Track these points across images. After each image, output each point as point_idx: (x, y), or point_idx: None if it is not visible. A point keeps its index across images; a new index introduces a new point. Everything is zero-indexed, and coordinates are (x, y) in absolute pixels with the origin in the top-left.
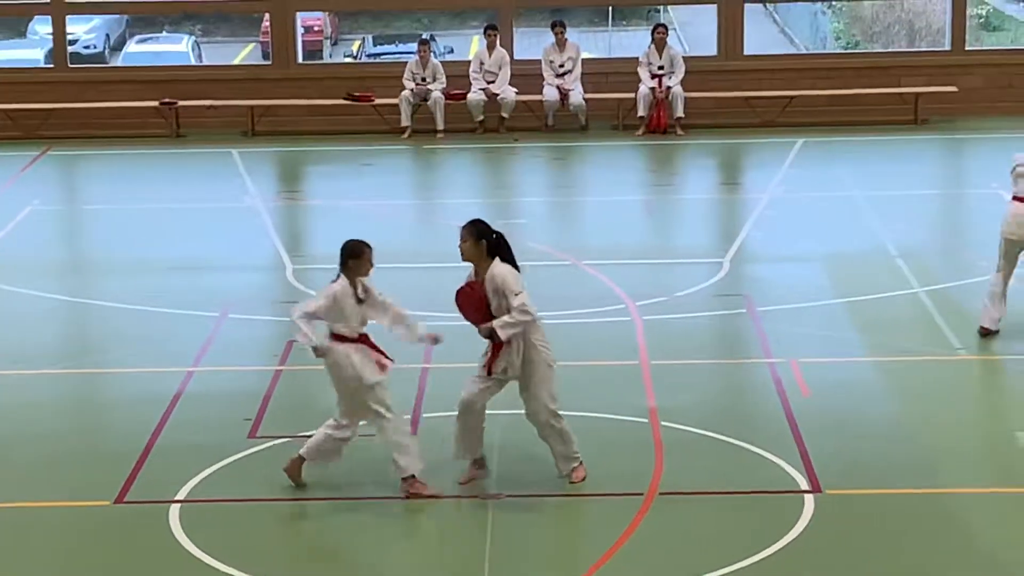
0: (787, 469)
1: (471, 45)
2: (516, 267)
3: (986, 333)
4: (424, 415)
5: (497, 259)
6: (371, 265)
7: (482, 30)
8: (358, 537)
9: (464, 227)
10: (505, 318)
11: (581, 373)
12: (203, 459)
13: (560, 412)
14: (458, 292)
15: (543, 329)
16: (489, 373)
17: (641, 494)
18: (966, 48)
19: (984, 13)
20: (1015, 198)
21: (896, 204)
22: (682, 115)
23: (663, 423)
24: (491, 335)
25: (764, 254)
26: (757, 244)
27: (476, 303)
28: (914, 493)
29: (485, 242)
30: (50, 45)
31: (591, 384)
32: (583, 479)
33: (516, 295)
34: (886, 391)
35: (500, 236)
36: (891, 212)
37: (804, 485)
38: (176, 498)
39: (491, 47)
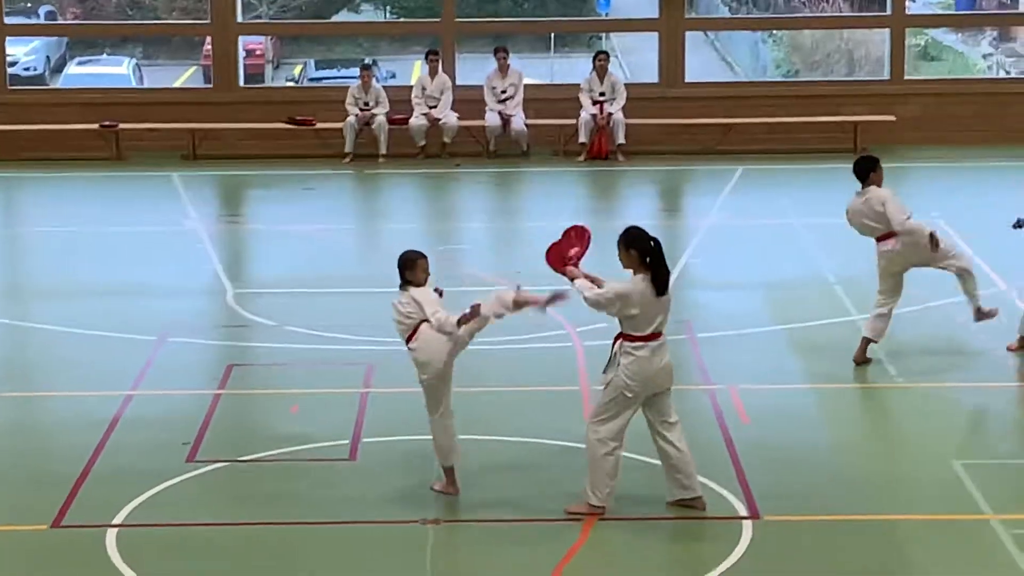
0: (725, 495)
1: (413, 70)
2: (665, 281)
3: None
4: (364, 440)
5: (645, 275)
6: (426, 274)
7: (424, 55)
8: (293, 562)
9: (620, 235)
10: (593, 290)
11: (521, 398)
12: (141, 483)
13: (604, 439)
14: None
15: (641, 362)
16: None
17: (580, 519)
18: (905, 77)
19: (922, 43)
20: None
21: (835, 232)
22: (623, 142)
23: None
24: (571, 280)
25: (704, 281)
26: (697, 271)
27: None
28: (852, 519)
29: (635, 251)
30: None
31: (531, 409)
32: (576, 514)
33: (607, 297)
34: (824, 418)
35: (656, 245)
36: (830, 240)
37: (742, 511)
38: (113, 522)
39: (433, 72)
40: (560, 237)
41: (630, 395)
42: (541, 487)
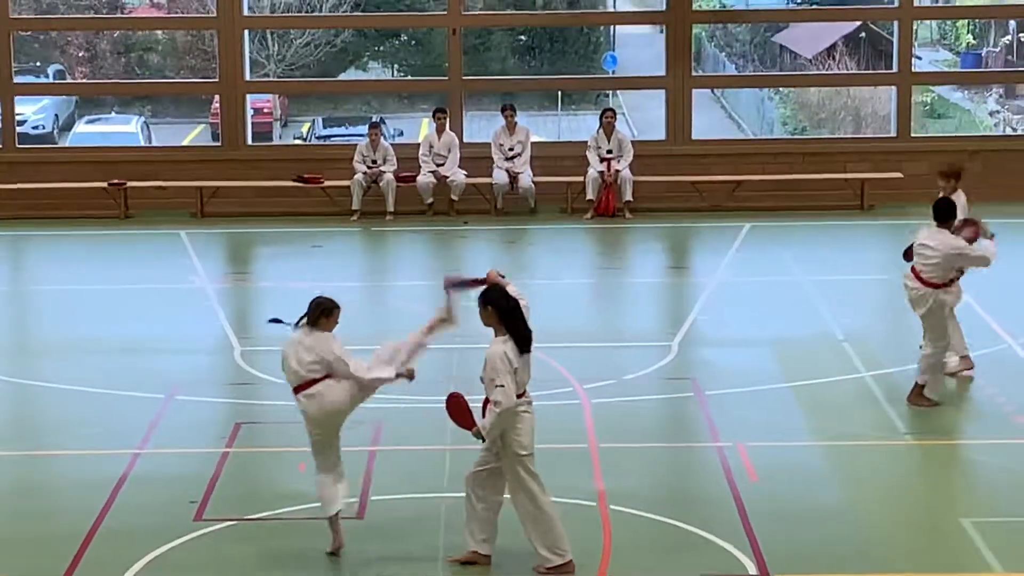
0: (735, 553)
1: (421, 128)
2: (525, 337)
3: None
4: (372, 498)
5: (505, 336)
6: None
7: (431, 113)
8: None
9: (480, 294)
10: (486, 419)
11: None
12: (148, 542)
13: (537, 498)
14: (448, 400)
15: (527, 418)
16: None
17: None
18: (911, 135)
19: (929, 100)
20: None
21: (842, 289)
22: (630, 199)
23: (612, 507)
24: (480, 437)
25: (712, 338)
26: (705, 328)
27: (462, 411)
28: None
29: (492, 309)
30: None
31: (540, 467)
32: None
33: (496, 387)
34: (833, 475)
35: (514, 305)
36: (837, 297)
37: (752, 570)
38: None
39: (440, 130)
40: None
41: (524, 453)
42: None
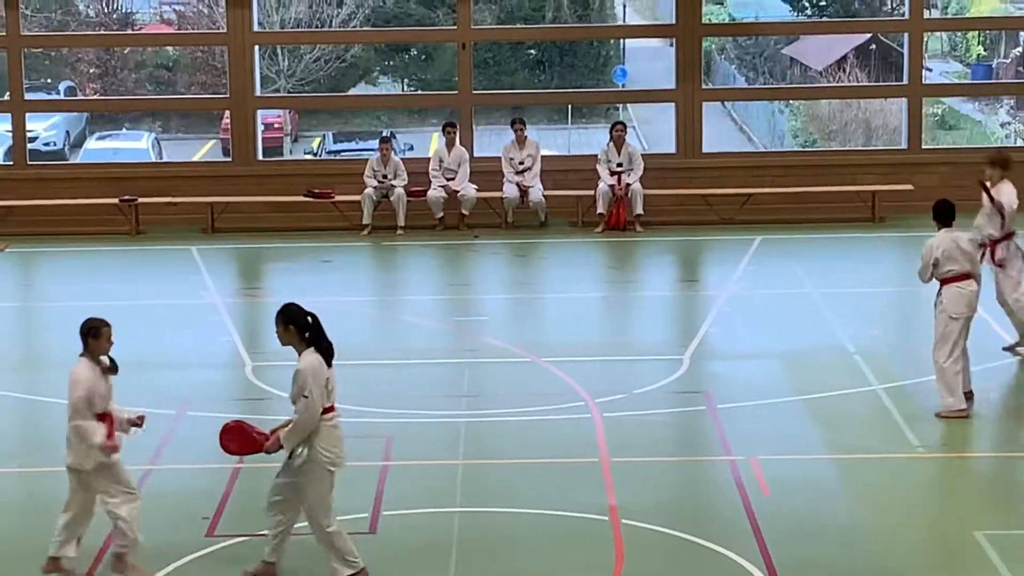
0: (748, 567)
1: (431, 142)
2: (329, 352)
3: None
4: (384, 512)
5: (311, 349)
6: (110, 343)
7: (441, 127)
8: None
9: (277, 312)
10: (288, 428)
11: (541, 470)
12: (161, 558)
13: (333, 522)
14: (224, 436)
15: (335, 433)
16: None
17: None
18: (922, 147)
19: (940, 112)
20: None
21: (854, 301)
22: (641, 212)
23: (624, 521)
24: (279, 448)
25: (723, 351)
26: (716, 341)
27: (240, 439)
28: None
29: (294, 327)
30: (9, 142)
31: (551, 481)
32: None
33: (303, 398)
34: (846, 489)
35: (314, 320)
36: (849, 310)
37: None
38: None
39: (450, 144)
40: (232, 436)
41: (333, 469)
42: (562, 559)
